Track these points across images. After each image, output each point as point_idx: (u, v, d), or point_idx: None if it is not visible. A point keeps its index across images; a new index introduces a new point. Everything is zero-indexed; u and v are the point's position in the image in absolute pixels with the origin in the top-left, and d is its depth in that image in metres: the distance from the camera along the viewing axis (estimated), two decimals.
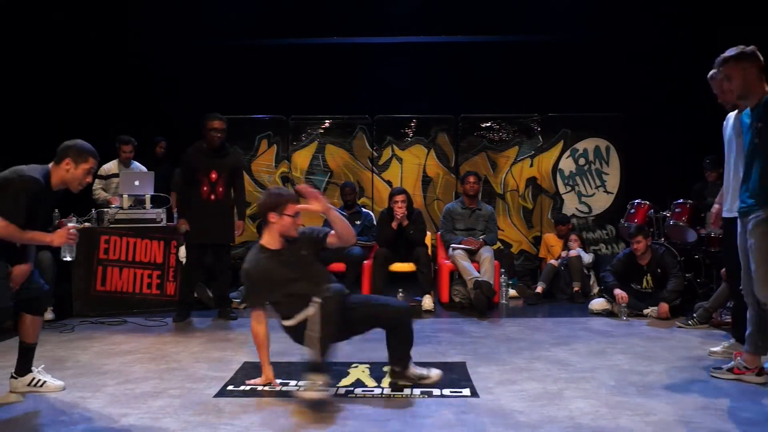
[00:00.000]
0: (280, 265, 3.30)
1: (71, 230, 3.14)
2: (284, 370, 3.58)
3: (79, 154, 3.16)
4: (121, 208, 5.66)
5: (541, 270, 6.72)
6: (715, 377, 3.55)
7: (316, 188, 7.70)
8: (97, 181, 6.31)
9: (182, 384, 3.45)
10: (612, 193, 7.70)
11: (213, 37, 7.76)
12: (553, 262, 6.42)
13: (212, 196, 5.19)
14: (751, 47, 3.23)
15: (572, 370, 3.73)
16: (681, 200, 6.05)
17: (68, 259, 3.26)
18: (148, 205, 5.70)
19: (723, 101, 3.66)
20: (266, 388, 3.38)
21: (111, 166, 6.38)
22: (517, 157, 7.72)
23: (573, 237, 6.60)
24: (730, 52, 3.24)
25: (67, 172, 3.14)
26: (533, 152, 7.71)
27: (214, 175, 5.19)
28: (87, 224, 5.64)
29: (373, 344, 3.90)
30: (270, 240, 3.35)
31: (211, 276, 5.65)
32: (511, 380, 3.49)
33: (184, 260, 5.54)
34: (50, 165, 3.18)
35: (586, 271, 6.38)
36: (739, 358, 3.52)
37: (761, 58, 3.23)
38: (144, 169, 6.42)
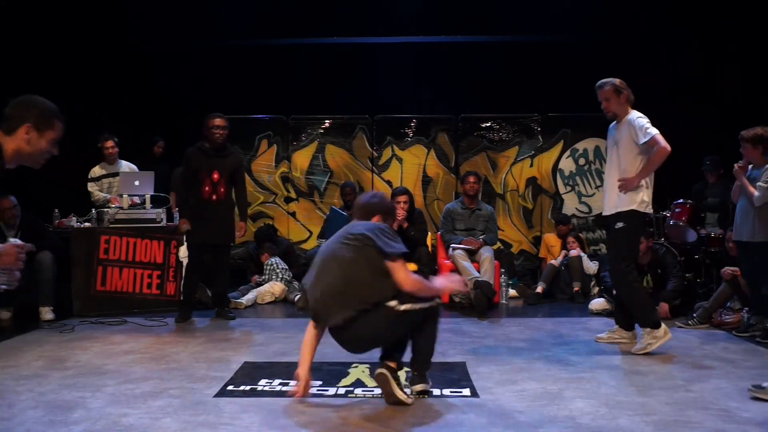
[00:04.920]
0: None
1: (21, 253, 2.24)
2: (285, 370, 3.58)
3: (44, 118, 2.33)
4: (121, 208, 5.65)
5: (541, 270, 6.72)
6: (758, 398, 3.12)
7: (316, 188, 7.74)
8: (90, 184, 6.21)
9: (182, 384, 3.44)
10: None
11: (213, 37, 7.76)
12: (553, 262, 6.42)
13: (213, 196, 5.18)
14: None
15: (572, 370, 3.73)
16: (681, 200, 6.05)
17: (4, 288, 2.28)
18: (148, 205, 5.70)
19: (605, 109, 4.43)
20: (291, 385, 3.29)
21: (100, 168, 6.28)
22: (517, 157, 7.72)
23: (571, 239, 6.56)
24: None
25: (27, 143, 2.25)
26: (533, 152, 7.71)
27: (216, 175, 5.17)
28: (87, 224, 5.65)
29: None
30: None
31: (210, 276, 5.63)
32: (511, 380, 3.49)
33: (185, 260, 5.52)
34: None
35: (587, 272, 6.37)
36: None
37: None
38: (133, 167, 6.32)
